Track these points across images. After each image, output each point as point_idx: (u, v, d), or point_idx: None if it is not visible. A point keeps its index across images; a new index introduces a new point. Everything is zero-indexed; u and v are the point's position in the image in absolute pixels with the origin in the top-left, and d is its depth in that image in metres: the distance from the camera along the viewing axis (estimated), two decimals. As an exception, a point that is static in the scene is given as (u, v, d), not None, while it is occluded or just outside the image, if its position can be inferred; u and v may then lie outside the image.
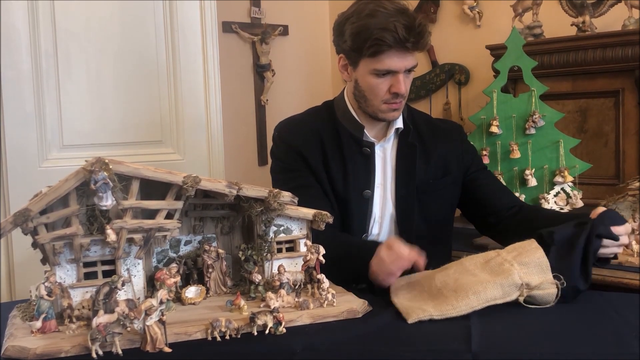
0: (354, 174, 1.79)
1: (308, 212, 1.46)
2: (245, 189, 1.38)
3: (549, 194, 2.34)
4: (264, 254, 1.44)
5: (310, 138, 1.82)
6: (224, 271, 1.46)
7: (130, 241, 1.32)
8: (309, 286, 1.42)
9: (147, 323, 1.16)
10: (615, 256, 1.52)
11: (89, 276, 1.32)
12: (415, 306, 1.34)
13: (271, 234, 1.45)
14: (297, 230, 1.48)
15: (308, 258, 1.42)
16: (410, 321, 1.29)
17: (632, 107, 2.43)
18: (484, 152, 2.41)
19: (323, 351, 1.18)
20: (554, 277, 1.35)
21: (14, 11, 2.38)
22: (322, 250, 1.41)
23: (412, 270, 1.52)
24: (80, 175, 1.22)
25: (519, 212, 1.82)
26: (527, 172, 2.37)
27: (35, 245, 1.30)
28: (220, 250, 1.45)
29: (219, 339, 1.21)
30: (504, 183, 2.29)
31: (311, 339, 1.23)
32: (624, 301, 1.42)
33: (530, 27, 2.65)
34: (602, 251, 1.45)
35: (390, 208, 1.82)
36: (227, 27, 3.23)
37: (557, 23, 2.64)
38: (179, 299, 1.40)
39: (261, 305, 1.32)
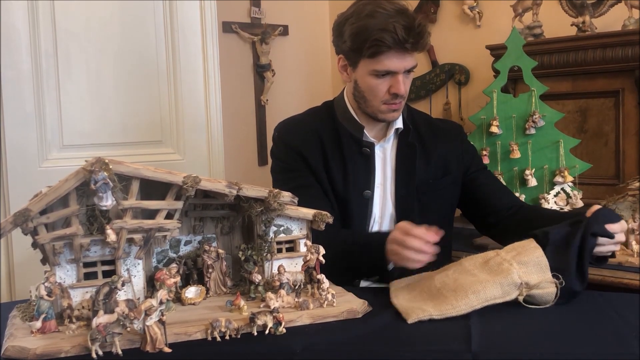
0: (354, 174, 1.79)
1: (308, 212, 1.46)
2: (245, 189, 1.38)
3: (549, 194, 2.34)
4: (264, 254, 1.44)
5: (310, 138, 1.82)
6: (224, 271, 1.46)
7: (130, 241, 1.32)
8: (308, 286, 1.42)
9: (147, 323, 1.16)
10: (613, 254, 1.51)
11: (89, 276, 1.32)
12: (415, 306, 1.34)
13: (271, 234, 1.45)
14: (297, 231, 1.48)
15: (308, 258, 1.42)
16: (410, 321, 1.29)
17: (632, 107, 2.43)
18: (484, 152, 2.41)
19: (323, 351, 1.18)
20: (553, 276, 1.35)
21: (14, 11, 2.38)
22: (322, 251, 1.41)
23: (430, 266, 1.52)
24: (80, 175, 1.23)
25: (518, 211, 1.82)
26: (527, 172, 2.37)
27: (35, 245, 1.30)
28: (220, 251, 1.45)
29: (218, 339, 1.21)
30: (504, 183, 2.29)
31: (311, 339, 1.23)
32: (624, 301, 1.42)
33: (530, 27, 2.65)
34: (599, 249, 1.44)
35: (390, 208, 1.82)
36: (227, 27, 3.23)
37: (557, 23, 2.64)
38: (178, 299, 1.40)
39: (261, 306, 1.32)
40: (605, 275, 1.89)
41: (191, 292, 1.41)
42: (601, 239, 1.42)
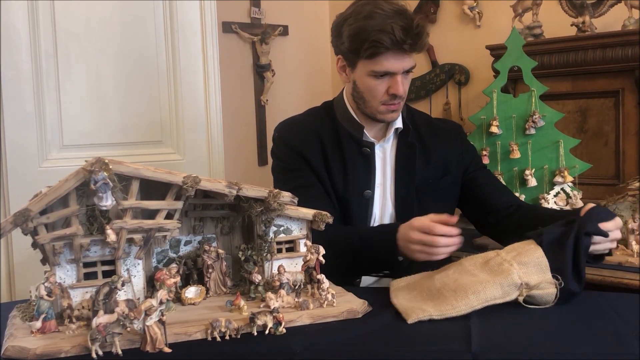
0: (354, 174, 1.79)
1: (308, 212, 1.46)
2: (245, 189, 1.38)
3: (549, 194, 2.34)
4: (264, 254, 1.44)
5: (310, 138, 1.82)
6: (224, 271, 1.46)
7: (130, 241, 1.32)
8: (308, 286, 1.42)
9: (147, 323, 1.16)
10: (610, 252, 1.50)
11: (89, 276, 1.32)
12: (415, 306, 1.34)
13: (271, 234, 1.45)
14: (297, 231, 1.48)
15: (308, 258, 1.42)
16: (410, 321, 1.29)
17: (632, 107, 2.43)
18: (484, 152, 2.41)
19: (323, 351, 1.18)
20: (553, 276, 1.35)
21: (14, 11, 2.38)
22: (322, 251, 1.41)
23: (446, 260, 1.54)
24: (80, 176, 1.22)
25: (518, 211, 1.82)
26: (527, 172, 2.37)
27: (35, 245, 1.30)
28: (220, 251, 1.45)
29: (218, 339, 1.21)
30: (504, 183, 2.29)
31: (311, 339, 1.23)
32: (624, 301, 1.42)
33: (530, 27, 2.65)
34: (596, 248, 1.43)
35: (390, 208, 1.82)
36: (227, 27, 3.23)
37: (557, 23, 2.64)
38: (178, 299, 1.40)
39: (261, 306, 1.32)
40: (605, 275, 1.89)
41: (191, 292, 1.41)
42: (596, 238, 1.41)
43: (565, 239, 1.38)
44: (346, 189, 1.79)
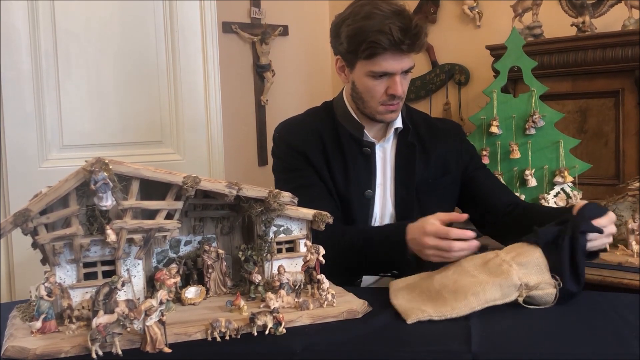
0: (355, 174, 1.79)
1: (308, 213, 1.46)
2: (245, 189, 1.38)
3: (549, 194, 2.34)
4: (264, 254, 1.44)
5: (311, 138, 1.82)
6: (224, 271, 1.46)
7: (130, 241, 1.32)
8: (308, 286, 1.42)
9: (147, 323, 1.16)
10: (605, 248, 1.49)
11: (89, 276, 1.32)
12: (415, 307, 1.34)
13: (271, 234, 1.45)
14: (297, 231, 1.48)
15: (308, 258, 1.42)
16: (409, 321, 1.29)
17: (632, 107, 2.43)
18: (484, 152, 2.41)
19: (323, 351, 1.18)
20: (552, 277, 1.35)
21: (14, 11, 2.38)
22: (322, 251, 1.41)
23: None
24: (80, 176, 1.22)
25: (515, 209, 1.81)
26: (527, 172, 2.37)
27: (35, 245, 1.30)
28: (220, 251, 1.45)
29: (218, 339, 1.21)
30: (504, 183, 2.30)
31: (311, 339, 1.22)
32: (624, 301, 1.42)
33: (530, 27, 2.65)
34: (592, 244, 1.42)
35: (390, 208, 1.82)
36: (227, 27, 3.23)
37: (557, 23, 2.64)
38: (178, 300, 1.40)
39: (261, 306, 1.32)
40: (605, 275, 1.89)
41: (191, 292, 1.41)
42: (592, 235, 1.41)
43: (561, 240, 1.38)
44: (347, 189, 1.79)
